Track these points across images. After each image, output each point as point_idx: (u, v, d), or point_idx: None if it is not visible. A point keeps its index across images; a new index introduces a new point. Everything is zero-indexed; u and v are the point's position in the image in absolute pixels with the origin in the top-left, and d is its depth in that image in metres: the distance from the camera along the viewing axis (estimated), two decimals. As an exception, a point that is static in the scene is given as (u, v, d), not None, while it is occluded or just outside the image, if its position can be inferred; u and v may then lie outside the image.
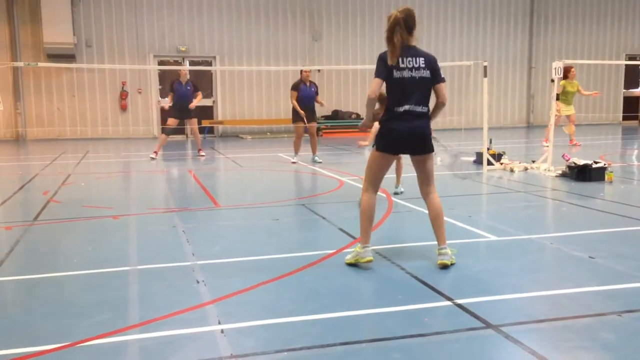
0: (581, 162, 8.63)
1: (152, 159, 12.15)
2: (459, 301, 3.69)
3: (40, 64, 10.38)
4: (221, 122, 19.61)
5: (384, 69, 4.39)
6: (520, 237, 5.38)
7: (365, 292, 3.96)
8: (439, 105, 4.60)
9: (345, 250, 4.95)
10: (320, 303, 3.75)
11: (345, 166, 10.85)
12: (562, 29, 22.85)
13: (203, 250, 5.07)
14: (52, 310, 3.69)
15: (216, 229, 6.08)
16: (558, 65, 9.43)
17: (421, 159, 4.54)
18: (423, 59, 4.39)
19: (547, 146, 13.13)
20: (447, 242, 4.65)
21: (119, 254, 5.00)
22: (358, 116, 20.14)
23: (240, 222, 6.26)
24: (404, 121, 4.36)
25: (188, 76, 12.58)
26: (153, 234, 5.86)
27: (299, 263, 4.58)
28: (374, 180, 4.58)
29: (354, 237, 5.35)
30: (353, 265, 4.47)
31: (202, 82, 19.75)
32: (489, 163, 9.87)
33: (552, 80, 9.74)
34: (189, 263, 4.68)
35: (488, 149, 10.08)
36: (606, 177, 8.42)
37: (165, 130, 12.52)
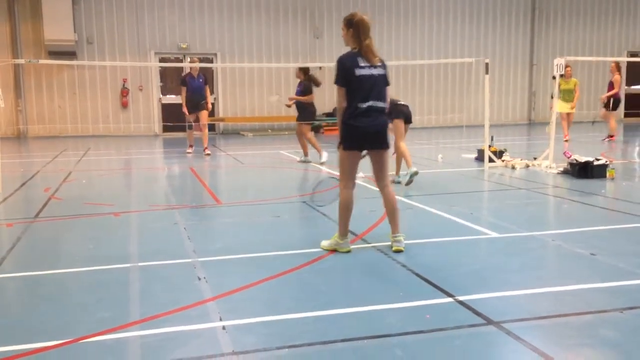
0: (583, 159, 8.62)
1: (189, 153, 12.67)
2: (461, 298, 3.69)
3: (41, 61, 10.37)
4: (222, 119, 19.60)
5: (343, 74, 4.60)
6: (521, 234, 5.37)
7: (367, 289, 3.96)
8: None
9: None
10: (322, 300, 3.75)
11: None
12: (564, 26, 22.81)
13: (204, 247, 5.07)
14: (53, 307, 3.70)
15: (217, 226, 6.08)
16: (560, 62, 9.41)
17: (379, 153, 4.82)
18: (378, 58, 4.71)
19: (567, 141, 13.32)
20: (448, 238, 4.64)
21: (121, 251, 5.00)
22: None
23: (241, 219, 6.26)
24: (367, 117, 4.59)
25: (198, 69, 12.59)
26: (154, 231, 5.86)
27: (300, 260, 4.58)
28: (349, 176, 4.81)
29: (355, 234, 5.35)
30: (330, 250, 4.75)
31: (203, 79, 19.75)
32: (491, 160, 9.86)
33: (554, 77, 9.73)
34: (190, 260, 4.68)
35: (490, 146, 10.08)
36: (608, 174, 8.41)
37: (189, 126, 12.79)
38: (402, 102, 8.18)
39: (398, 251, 4.72)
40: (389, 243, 4.98)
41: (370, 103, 4.60)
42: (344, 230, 4.78)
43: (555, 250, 4.96)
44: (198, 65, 12.63)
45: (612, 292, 3.84)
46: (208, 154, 12.59)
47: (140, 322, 3.41)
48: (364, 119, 4.59)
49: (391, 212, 4.87)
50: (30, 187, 8.63)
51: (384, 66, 4.78)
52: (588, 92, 22.76)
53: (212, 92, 19.64)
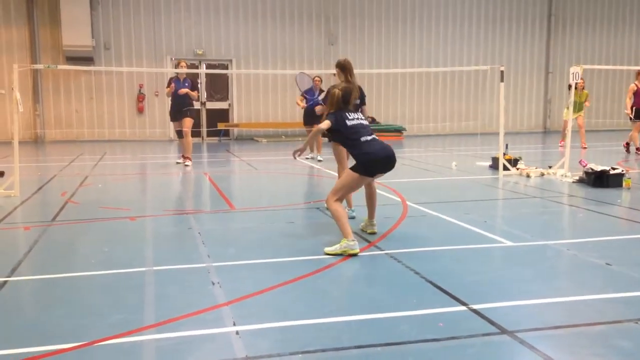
0: (598, 168, 8.56)
1: (178, 163, 11.89)
2: (474, 306, 3.68)
3: (59, 67, 10.52)
4: (236, 125, 19.70)
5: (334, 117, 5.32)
6: (536, 242, 5.35)
7: (380, 296, 3.96)
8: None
9: (360, 254, 4.96)
10: (335, 306, 3.76)
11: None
12: (580, 34, 22.68)
13: (218, 252, 5.10)
14: (69, 310, 3.74)
15: (231, 232, 6.11)
16: (576, 70, 9.36)
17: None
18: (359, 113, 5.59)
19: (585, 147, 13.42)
20: (462, 246, 4.62)
21: (136, 255, 5.04)
22: (373, 120, 20.12)
23: (255, 225, 6.29)
24: (374, 146, 5.29)
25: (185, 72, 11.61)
26: (169, 235, 5.91)
27: (313, 266, 4.59)
28: (346, 194, 5.45)
29: (368, 241, 5.36)
30: (338, 255, 4.87)
31: (218, 85, 19.90)
32: (505, 168, 9.82)
33: (570, 86, 9.67)
34: (204, 265, 4.71)
35: (504, 154, 10.03)
36: (624, 184, 8.34)
37: (178, 134, 11.95)
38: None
39: (373, 233, 5.62)
40: (403, 250, 4.99)
41: (367, 138, 5.35)
42: (347, 233, 4.97)
43: (570, 260, 4.93)
44: (185, 70, 11.59)
45: (626, 302, 3.81)
46: (187, 165, 11.48)
47: (155, 326, 3.44)
48: (373, 147, 5.30)
49: (370, 199, 5.72)
50: (47, 191, 8.73)
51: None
52: (604, 100, 22.62)
53: (226, 98, 19.86)
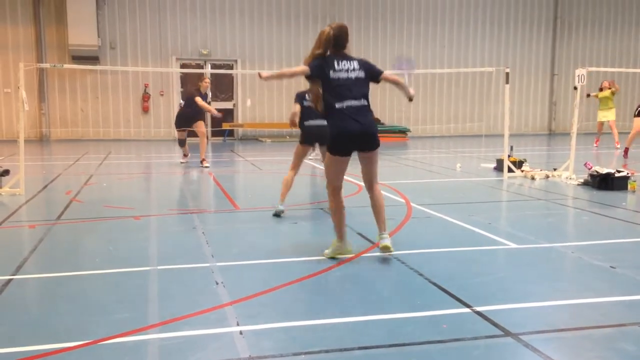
0: (603, 170, 8.54)
1: (183, 162, 12.01)
2: (478, 308, 3.68)
3: (65, 66, 10.56)
4: (241, 125, 19.73)
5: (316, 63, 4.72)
6: (540, 245, 5.34)
7: (384, 297, 3.96)
8: (399, 84, 5.03)
9: (363, 255, 4.96)
10: (339, 307, 3.76)
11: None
12: (585, 36, 22.64)
13: (222, 252, 5.11)
14: (74, 308, 3.75)
15: (235, 231, 6.11)
16: (581, 72, 9.34)
17: (368, 155, 4.85)
18: (357, 61, 4.76)
19: (619, 148, 13.69)
20: (466, 248, 4.59)
21: (140, 254, 5.05)
22: (378, 121, 20.11)
23: (259, 225, 6.30)
24: (346, 116, 4.62)
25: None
26: (173, 234, 5.92)
27: (317, 267, 4.59)
28: (335, 180, 4.93)
29: (372, 242, 5.35)
30: (333, 258, 4.76)
31: (223, 85, 19.93)
32: (510, 170, 9.80)
33: (575, 88, 9.66)
34: (208, 264, 4.72)
35: (509, 156, 10.02)
36: (629, 187, 8.32)
37: (181, 143, 12.08)
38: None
39: (386, 248, 4.73)
40: (407, 251, 4.99)
41: (347, 102, 4.73)
42: (339, 234, 4.87)
43: (575, 262, 4.92)
44: (209, 84, 11.96)
45: (631, 306, 3.80)
46: (207, 166, 11.51)
47: (159, 325, 3.45)
48: (345, 120, 4.72)
49: (378, 213, 4.93)
50: (52, 190, 8.76)
51: (363, 67, 4.98)
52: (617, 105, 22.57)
53: (231, 99, 19.89)
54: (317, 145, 6.94)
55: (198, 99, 11.46)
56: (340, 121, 4.61)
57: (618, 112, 18.02)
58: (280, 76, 5.11)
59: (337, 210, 4.88)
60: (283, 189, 6.71)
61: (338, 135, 4.66)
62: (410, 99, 5.03)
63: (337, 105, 4.58)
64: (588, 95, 16.30)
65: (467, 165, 11.70)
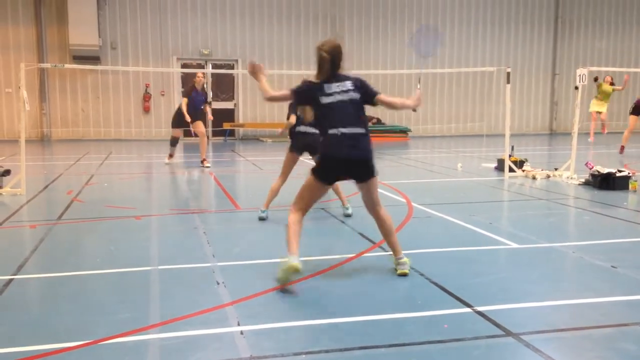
0: (604, 170, 8.53)
1: (167, 164, 11.87)
2: (479, 308, 3.67)
3: (66, 66, 10.57)
4: (242, 125, 19.73)
5: (305, 93, 4.47)
6: (541, 245, 5.33)
7: (385, 297, 3.96)
8: (397, 106, 4.76)
9: (364, 255, 4.96)
10: (340, 307, 3.76)
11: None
12: (587, 36, 22.62)
13: (223, 252, 5.11)
14: (74, 308, 3.75)
15: (236, 231, 6.12)
16: (582, 72, 9.33)
17: (363, 185, 4.47)
18: (350, 82, 4.36)
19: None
20: (467, 248, 4.58)
21: (141, 253, 5.06)
22: (379, 121, 20.12)
23: (260, 225, 6.29)
24: (338, 141, 4.27)
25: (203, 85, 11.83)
26: (174, 234, 5.92)
27: (318, 267, 4.59)
28: (304, 202, 4.50)
29: (373, 242, 5.35)
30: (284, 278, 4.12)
31: (224, 84, 19.93)
32: (511, 170, 9.80)
33: (576, 88, 9.65)
34: (209, 264, 4.72)
35: (510, 155, 10.01)
36: (630, 186, 8.32)
37: (173, 142, 11.96)
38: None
39: (403, 274, 4.36)
40: (407, 251, 4.98)
41: (341, 129, 4.35)
42: (288, 247, 4.24)
43: (576, 262, 4.92)
44: (203, 80, 11.80)
45: (632, 305, 3.80)
46: (207, 166, 11.41)
47: (160, 325, 3.45)
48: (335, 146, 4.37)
49: (388, 236, 4.50)
50: (53, 190, 8.76)
51: (357, 88, 4.54)
52: (611, 102, 22.50)
53: (232, 99, 19.89)
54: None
55: (183, 103, 11.41)
56: (331, 146, 4.29)
57: (619, 111, 18.07)
58: (263, 88, 4.58)
59: (290, 227, 4.32)
60: (269, 195, 6.53)
61: (326, 159, 4.36)
62: (414, 110, 4.78)
63: (331, 132, 4.27)
64: (596, 79, 16.26)
65: (468, 165, 11.70)
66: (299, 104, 4.51)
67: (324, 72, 4.31)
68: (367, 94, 4.41)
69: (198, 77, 11.69)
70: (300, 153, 6.60)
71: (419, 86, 4.55)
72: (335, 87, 4.30)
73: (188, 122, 11.40)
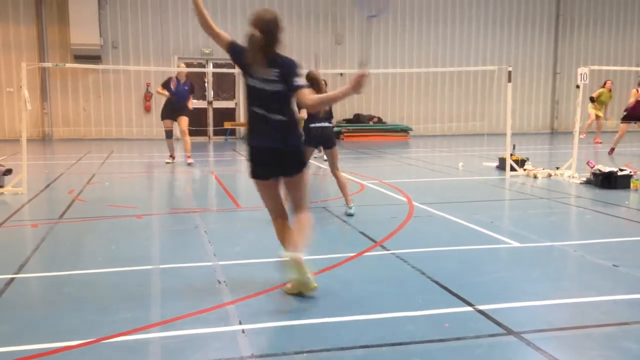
0: (606, 169, 8.52)
1: (168, 163, 11.85)
2: (480, 307, 3.67)
3: (67, 65, 10.58)
4: (243, 124, 19.71)
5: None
6: (543, 244, 5.33)
7: (386, 296, 3.95)
8: (333, 100, 4.12)
9: (365, 254, 4.96)
10: (340, 306, 3.75)
11: (366, 170, 10.85)
12: (588, 34, 22.59)
13: (224, 251, 5.11)
14: (75, 307, 3.76)
15: (237, 230, 6.12)
16: (584, 71, 9.32)
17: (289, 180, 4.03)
18: (278, 71, 3.82)
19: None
20: (468, 247, 4.57)
21: (142, 252, 5.06)
22: (380, 120, 20.11)
23: (261, 224, 6.28)
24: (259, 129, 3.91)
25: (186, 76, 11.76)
26: (176, 234, 5.92)
27: (320, 265, 4.59)
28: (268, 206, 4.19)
29: (374, 241, 5.35)
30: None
31: (225, 84, 19.93)
32: (512, 169, 9.79)
33: (578, 87, 9.64)
34: (210, 263, 4.72)
35: (511, 154, 10.01)
36: (632, 185, 8.31)
37: (168, 135, 11.95)
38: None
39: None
40: (408, 250, 5.00)
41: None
42: (284, 245, 4.02)
43: (577, 261, 4.91)
44: (185, 70, 11.84)
45: (634, 304, 3.80)
46: (190, 163, 11.47)
47: (161, 324, 3.45)
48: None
49: (299, 231, 4.01)
50: (55, 189, 8.77)
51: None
52: (612, 102, 22.51)
53: (233, 98, 19.89)
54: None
55: (159, 87, 11.69)
56: (252, 133, 3.92)
57: (621, 109, 18.00)
58: (197, 5, 4.09)
59: (285, 235, 4.08)
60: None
61: (249, 151, 3.99)
62: (358, 93, 3.76)
63: (253, 109, 3.88)
64: (592, 100, 16.39)
65: (470, 164, 11.69)
66: (232, 60, 3.97)
67: (251, 54, 3.78)
68: (289, 87, 3.80)
69: (180, 67, 12.01)
70: (316, 146, 6.74)
71: (362, 66, 3.66)
72: (261, 72, 3.81)
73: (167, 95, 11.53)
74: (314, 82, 6.24)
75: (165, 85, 11.64)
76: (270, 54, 3.83)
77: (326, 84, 6.64)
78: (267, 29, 3.78)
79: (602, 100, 16.27)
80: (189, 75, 11.97)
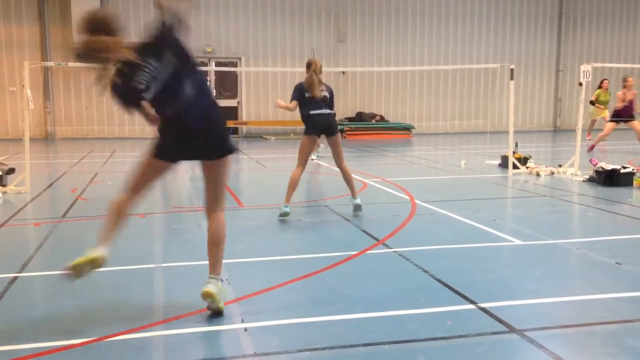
0: (609, 167, 8.51)
1: None
2: (483, 305, 3.67)
3: (70, 64, 10.62)
4: (245, 123, 19.73)
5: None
6: (545, 241, 5.32)
7: (388, 294, 3.95)
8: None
9: (368, 252, 4.95)
10: (343, 304, 3.76)
11: (368, 168, 10.85)
12: (590, 32, 22.54)
13: (227, 249, 5.05)
14: (78, 306, 3.76)
15: (240, 229, 6.11)
16: (586, 68, 9.30)
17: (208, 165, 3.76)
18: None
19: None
20: (470, 245, 4.56)
21: (145, 251, 5.06)
22: (382, 118, 20.09)
23: (263, 222, 6.30)
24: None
25: None
26: (178, 232, 5.92)
27: (322, 264, 4.59)
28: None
29: (376, 239, 5.35)
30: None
31: (227, 82, 19.94)
32: (515, 167, 9.78)
33: (580, 84, 9.62)
34: (213, 262, 4.72)
35: (514, 152, 9.99)
36: (634, 183, 8.29)
37: None
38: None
39: (208, 295, 3.50)
40: (411, 248, 4.99)
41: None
42: (104, 236, 3.68)
43: (580, 259, 4.90)
44: None
45: (637, 302, 3.79)
46: None
47: (164, 322, 3.45)
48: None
49: (212, 246, 3.79)
50: (58, 188, 8.78)
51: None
52: (614, 99, 22.47)
53: (235, 96, 19.89)
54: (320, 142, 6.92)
55: None
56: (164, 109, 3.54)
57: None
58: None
59: (117, 211, 3.74)
60: (289, 190, 6.35)
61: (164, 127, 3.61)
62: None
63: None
64: (592, 103, 16.25)
65: (472, 162, 11.68)
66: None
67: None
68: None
69: None
70: (317, 135, 6.58)
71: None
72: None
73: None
74: (310, 65, 6.49)
75: None
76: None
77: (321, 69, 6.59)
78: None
79: (602, 100, 16.11)
80: None
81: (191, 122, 3.46)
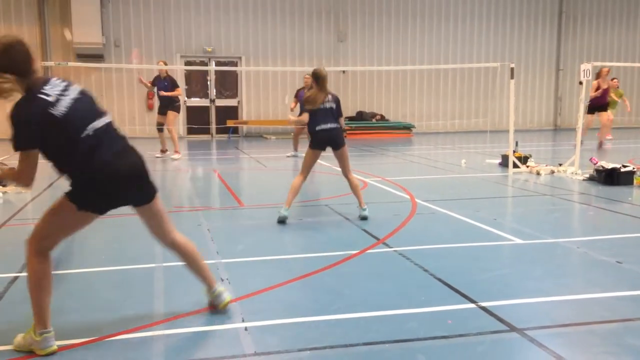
0: (609, 165, 8.51)
1: (158, 157, 12.50)
2: (483, 304, 3.67)
3: (70, 64, 10.62)
4: (245, 122, 19.73)
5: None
6: (546, 240, 5.32)
7: (389, 293, 3.95)
8: None
9: (368, 251, 4.95)
10: (344, 303, 3.76)
11: (369, 167, 10.85)
12: (591, 31, 22.53)
13: (227, 249, 5.11)
14: (79, 305, 3.76)
15: (240, 228, 6.12)
16: (586, 67, 9.30)
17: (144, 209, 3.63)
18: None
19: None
20: (471, 244, 4.55)
21: (145, 251, 5.06)
22: (382, 117, 20.09)
23: (264, 222, 6.30)
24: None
25: (166, 72, 12.86)
26: (179, 231, 5.91)
27: (322, 263, 4.59)
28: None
29: (377, 238, 5.35)
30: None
31: (227, 82, 19.94)
32: (515, 166, 9.78)
33: (581, 83, 9.62)
34: (213, 261, 4.72)
35: (514, 151, 9.99)
36: (635, 182, 8.29)
37: (159, 129, 12.87)
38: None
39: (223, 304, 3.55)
40: (411, 247, 4.99)
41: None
42: (38, 317, 3.13)
43: (581, 258, 4.90)
44: (164, 67, 12.89)
45: (637, 301, 3.79)
46: (174, 159, 12.26)
47: (164, 322, 3.46)
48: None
49: (193, 264, 3.71)
50: (58, 188, 8.75)
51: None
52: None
53: (235, 96, 19.90)
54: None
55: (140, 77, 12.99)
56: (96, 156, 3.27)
57: (623, 107, 17.95)
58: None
59: (41, 279, 3.24)
60: (289, 195, 6.28)
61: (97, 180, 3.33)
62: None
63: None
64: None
65: (472, 161, 11.68)
66: None
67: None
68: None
69: (159, 64, 13.04)
70: (322, 149, 6.49)
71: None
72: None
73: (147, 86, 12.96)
74: (319, 79, 6.23)
75: (153, 80, 12.92)
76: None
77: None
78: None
79: (611, 99, 16.16)
80: (168, 72, 13.26)
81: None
